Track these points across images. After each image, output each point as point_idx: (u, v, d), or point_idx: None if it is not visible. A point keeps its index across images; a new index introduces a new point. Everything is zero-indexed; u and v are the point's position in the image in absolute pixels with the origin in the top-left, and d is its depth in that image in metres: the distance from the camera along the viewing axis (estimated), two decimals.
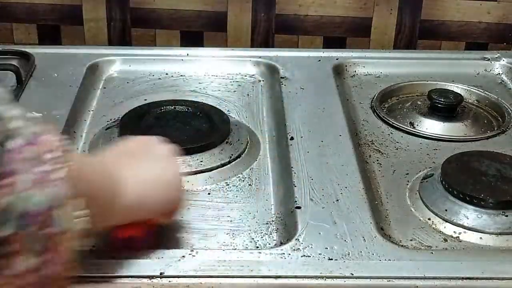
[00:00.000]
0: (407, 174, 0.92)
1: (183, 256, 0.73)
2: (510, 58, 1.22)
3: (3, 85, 1.07)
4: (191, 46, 1.24)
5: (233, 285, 0.71)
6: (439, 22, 1.30)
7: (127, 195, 0.66)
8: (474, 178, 0.84)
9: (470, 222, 0.80)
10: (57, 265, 0.51)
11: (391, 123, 1.03)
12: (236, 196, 0.87)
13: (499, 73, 1.20)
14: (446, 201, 0.83)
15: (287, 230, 0.80)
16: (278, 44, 1.30)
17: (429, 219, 0.82)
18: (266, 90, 1.13)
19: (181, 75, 1.17)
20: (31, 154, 0.49)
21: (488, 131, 1.03)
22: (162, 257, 0.73)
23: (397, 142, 0.99)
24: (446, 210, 0.82)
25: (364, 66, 1.20)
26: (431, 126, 1.03)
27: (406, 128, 1.02)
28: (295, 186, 0.85)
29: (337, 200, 0.83)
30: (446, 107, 1.04)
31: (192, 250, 0.74)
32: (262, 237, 0.80)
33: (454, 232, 0.80)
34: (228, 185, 0.89)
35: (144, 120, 0.97)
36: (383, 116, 1.05)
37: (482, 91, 1.13)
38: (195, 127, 0.96)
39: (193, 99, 1.06)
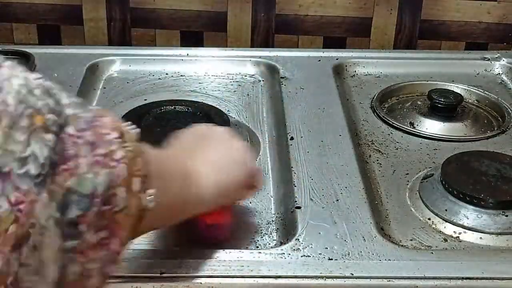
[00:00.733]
0: (407, 174, 0.92)
1: (183, 256, 0.73)
2: (510, 58, 1.22)
3: None
4: (191, 46, 1.24)
5: (233, 285, 0.71)
6: (439, 22, 1.30)
7: (206, 186, 0.68)
8: (474, 178, 0.84)
9: (470, 222, 0.80)
10: (117, 244, 0.53)
11: (391, 123, 1.03)
12: None
13: (499, 73, 1.20)
14: (446, 201, 0.83)
15: (287, 230, 0.80)
16: (278, 44, 1.30)
17: (429, 219, 0.82)
18: (266, 90, 1.13)
19: (181, 75, 1.17)
20: (90, 137, 0.51)
21: (488, 131, 1.03)
22: (162, 257, 0.73)
23: (397, 142, 0.99)
24: (446, 210, 0.82)
25: (364, 66, 1.20)
26: (431, 126, 1.03)
27: (406, 128, 1.02)
28: (295, 186, 0.85)
29: (337, 200, 0.83)
30: (446, 107, 1.04)
31: (190, 251, 0.74)
32: (262, 237, 0.80)
33: (454, 232, 0.80)
34: None
35: (144, 120, 0.97)
36: (383, 116, 1.05)
37: (482, 91, 1.13)
38: None
39: (193, 99, 1.06)
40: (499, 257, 0.75)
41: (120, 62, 1.18)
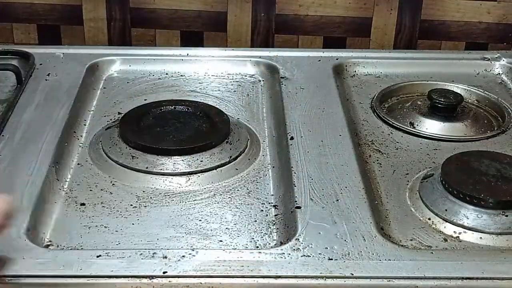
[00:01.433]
0: (407, 174, 0.92)
1: (183, 256, 0.73)
2: (510, 58, 1.22)
3: (4, 85, 1.08)
4: (191, 46, 1.24)
5: (233, 285, 0.71)
6: (439, 22, 1.30)
7: None
8: (474, 178, 0.84)
9: (470, 222, 0.80)
10: None
11: (391, 123, 1.03)
12: (236, 196, 0.87)
13: (499, 73, 1.20)
14: (446, 201, 0.83)
15: (287, 230, 0.80)
16: (278, 44, 1.30)
17: (429, 219, 0.82)
18: (266, 90, 1.13)
19: (181, 75, 1.17)
20: None
21: (488, 131, 1.03)
22: (162, 257, 0.73)
23: (397, 142, 0.99)
24: (446, 210, 0.82)
25: (364, 66, 1.20)
26: (431, 126, 1.03)
27: (406, 128, 1.02)
28: (295, 186, 0.85)
29: (337, 200, 0.83)
30: (446, 107, 1.04)
31: (192, 250, 0.74)
32: (262, 237, 0.80)
33: (454, 232, 0.80)
34: (228, 185, 0.89)
35: (144, 120, 0.97)
36: (383, 116, 1.05)
37: (482, 91, 1.13)
38: (195, 127, 0.96)
39: (193, 99, 1.06)
40: (499, 257, 0.75)
41: (120, 62, 1.18)
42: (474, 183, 0.83)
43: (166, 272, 0.70)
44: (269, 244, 0.78)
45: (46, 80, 1.10)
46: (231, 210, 0.84)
